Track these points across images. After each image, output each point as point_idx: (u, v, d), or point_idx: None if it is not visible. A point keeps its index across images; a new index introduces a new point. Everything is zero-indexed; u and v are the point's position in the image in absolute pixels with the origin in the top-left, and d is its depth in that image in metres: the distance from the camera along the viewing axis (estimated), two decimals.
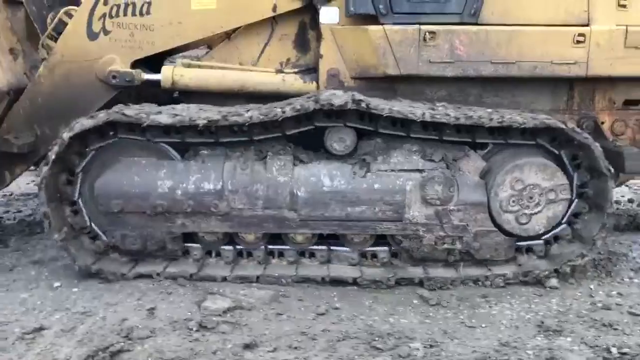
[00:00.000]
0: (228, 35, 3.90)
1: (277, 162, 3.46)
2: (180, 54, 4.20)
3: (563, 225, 3.60)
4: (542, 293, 3.41)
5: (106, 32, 3.71)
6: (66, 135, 3.35)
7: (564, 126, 3.38)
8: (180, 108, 3.50)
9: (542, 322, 3.03)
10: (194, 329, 2.89)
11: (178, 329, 2.90)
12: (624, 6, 3.57)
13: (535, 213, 3.50)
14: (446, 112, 3.36)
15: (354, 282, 3.47)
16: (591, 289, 3.47)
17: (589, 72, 3.56)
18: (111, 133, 3.50)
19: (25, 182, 5.74)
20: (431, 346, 2.79)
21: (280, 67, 3.85)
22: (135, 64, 3.78)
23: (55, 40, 3.83)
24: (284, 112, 3.31)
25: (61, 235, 3.43)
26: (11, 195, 5.56)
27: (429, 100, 3.68)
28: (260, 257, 3.60)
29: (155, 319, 3.00)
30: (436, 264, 3.57)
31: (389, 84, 3.69)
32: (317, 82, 3.74)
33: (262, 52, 3.87)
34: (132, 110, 3.39)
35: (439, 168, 3.46)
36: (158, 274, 3.47)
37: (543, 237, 3.60)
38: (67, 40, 3.75)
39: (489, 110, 3.48)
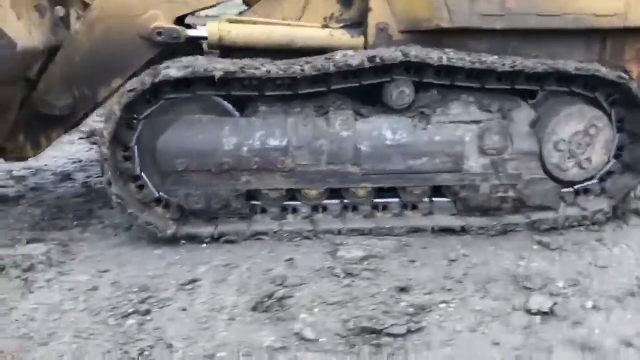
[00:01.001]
0: None
1: (340, 117, 3.47)
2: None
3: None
4: None
5: None
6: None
7: (568, 69, 3.54)
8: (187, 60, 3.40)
9: None
10: (342, 276, 3.01)
11: (325, 276, 3.03)
12: None
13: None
14: (460, 57, 3.46)
15: (463, 230, 3.61)
16: None
17: (627, 23, 3.73)
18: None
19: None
20: (574, 285, 2.95)
21: (324, 23, 3.82)
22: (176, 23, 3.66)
23: None
24: (303, 70, 3.32)
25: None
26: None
27: (471, 52, 3.75)
28: (367, 211, 3.66)
29: (297, 268, 3.12)
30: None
31: (437, 38, 3.73)
32: (366, 37, 3.74)
33: (305, 7, 3.81)
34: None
35: (496, 119, 3.57)
36: (275, 232, 3.50)
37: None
38: None
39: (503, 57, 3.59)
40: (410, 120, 3.53)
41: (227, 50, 3.77)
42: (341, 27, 3.79)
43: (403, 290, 2.90)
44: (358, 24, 3.80)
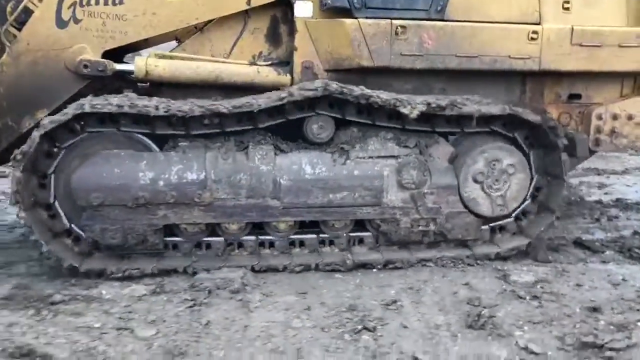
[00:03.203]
0: (199, 28, 3.92)
1: (259, 152, 3.52)
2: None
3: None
4: None
5: (77, 21, 3.62)
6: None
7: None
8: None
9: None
10: (527, 297, 3.26)
11: (512, 298, 3.27)
12: (567, 9, 3.96)
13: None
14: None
15: None
16: None
17: (541, 66, 3.90)
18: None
19: None
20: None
21: (252, 60, 3.91)
22: (104, 56, 3.72)
23: (19, 29, 3.68)
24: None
25: None
26: None
27: (397, 92, 3.87)
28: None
29: (479, 291, 3.36)
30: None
31: (360, 76, 3.84)
32: (292, 74, 3.84)
33: (234, 45, 3.91)
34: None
35: (413, 154, 3.66)
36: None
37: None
38: (34, 28, 3.62)
39: None
40: (329, 155, 3.60)
41: (156, 84, 3.84)
42: (268, 65, 3.89)
43: (595, 310, 3.11)
44: (286, 63, 3.91)
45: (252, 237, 3.67)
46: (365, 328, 2.91)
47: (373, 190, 3.59)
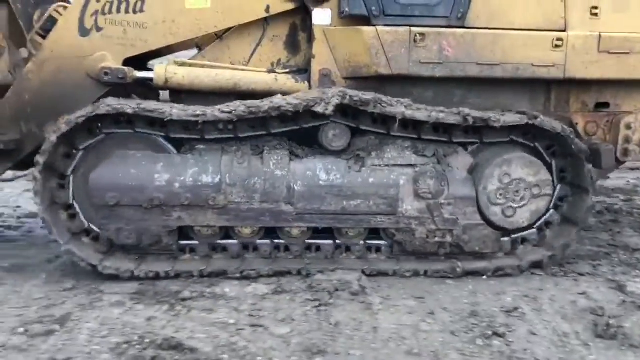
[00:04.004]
0: (219, 36, 3.95)
1: (274, 157, 3.52)
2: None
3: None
4: None
5: (98, 29, 3.70)
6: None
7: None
8: None
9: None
10: None
11: (634, 309, 3.25)
12: (595, 15, 3.84)
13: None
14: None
15: None
16: None
17: (567, 74, 3.78)
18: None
19: None
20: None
21: (271, 68, 3.92)
22: (125, 64, 3.79)
23: (44, 37, 3.78)
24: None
25: None
26: None
27: (417, 100, 3.81)
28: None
29: (599, 301, 3.35)
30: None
31: (379, 84, 3.81)
32: (309, 82, 3.84)
33: (253, 52, 3.93)
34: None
35: (431, 163, 3.59)
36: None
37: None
38: (58, 37, 3.71)
39: None
40: (345, 162, 3.57)
41: (176, 92, 3.89)
42: (286, 73, 3.89)
43: None
44: (304, 70, 3.91)
45: (360, 242, 3.72)
46: (495, 334, 2.96)
47: (388, 199, 3.54)
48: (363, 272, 3.58)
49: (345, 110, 3.55)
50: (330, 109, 3.37)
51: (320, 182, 3.51)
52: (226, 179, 3.45)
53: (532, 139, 3.77)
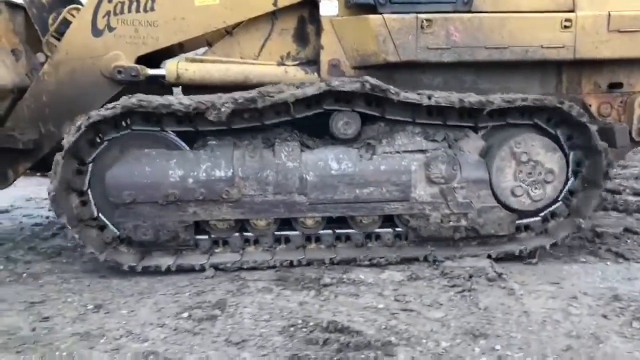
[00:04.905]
0: (229, 31, 4.01)
1: (286, 148, 3.56)
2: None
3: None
4: None
5: (111, 29, 3.78)
6: None
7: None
8: None
9: None
10: None
11: None
12: None
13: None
14: None
15: None
16: None
17: (577, 55, 3.76)
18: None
19: None
20: None
21: (281, 61, 3.97)
22: (138, 63, 3.86)
23: (59, 39, 3.88)
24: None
25: None
26: None
27: (427, 87, 3.82)
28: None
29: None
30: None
31: (388, 72, 3.82)
32: (319, 73, 3.87)
33: (263, 46, 3.98)
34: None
35: (442, 148, 3.60)
36: None
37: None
38: (72, 38, 3.81)
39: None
40: (356, 150, 3.59)
41: (188, 87, 3.95)
42: (296, 65, 3.93)
43: None
44: (313, 62, 3.95)
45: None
46: None
47: (401, 185, 3.55)
48: (489, 256, 3.63)
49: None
50: (225, 114, 3.42)
51: (332, 172, 3.53)
52: (239, 172, 3.50)
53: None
